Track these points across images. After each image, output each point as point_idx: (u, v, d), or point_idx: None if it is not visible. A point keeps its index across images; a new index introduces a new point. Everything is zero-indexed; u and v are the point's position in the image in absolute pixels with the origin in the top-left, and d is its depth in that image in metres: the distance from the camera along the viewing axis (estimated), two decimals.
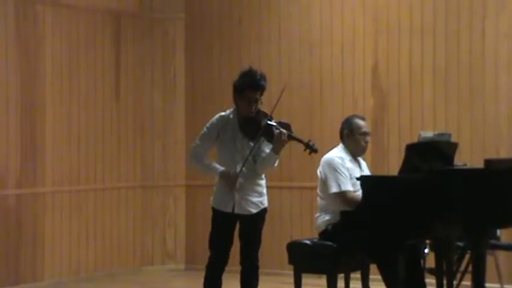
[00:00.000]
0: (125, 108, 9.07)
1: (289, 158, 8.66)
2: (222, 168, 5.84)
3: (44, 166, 8.25)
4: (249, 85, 5.79)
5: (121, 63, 9.03)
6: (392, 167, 7.68)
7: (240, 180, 5.80)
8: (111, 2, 8.98)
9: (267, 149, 5.81)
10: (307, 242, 6.19)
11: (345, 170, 6.10)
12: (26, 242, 8.12)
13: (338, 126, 6.40)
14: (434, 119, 8.10)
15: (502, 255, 7.26)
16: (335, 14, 8.61)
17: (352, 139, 6.23)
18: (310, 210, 8.07)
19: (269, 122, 5.75)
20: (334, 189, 6.07)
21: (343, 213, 5.81)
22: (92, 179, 8.72)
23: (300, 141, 5.78)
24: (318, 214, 6.23)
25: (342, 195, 6.05)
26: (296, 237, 7.73)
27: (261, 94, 5.84)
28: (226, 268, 5.94)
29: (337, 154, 6.21)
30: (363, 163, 6.38)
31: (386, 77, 8.37)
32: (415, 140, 6.56)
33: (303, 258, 6.13)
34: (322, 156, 6.27)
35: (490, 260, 6.24)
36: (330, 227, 6.08)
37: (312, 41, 8.73)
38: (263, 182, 5.96)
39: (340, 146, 6.29)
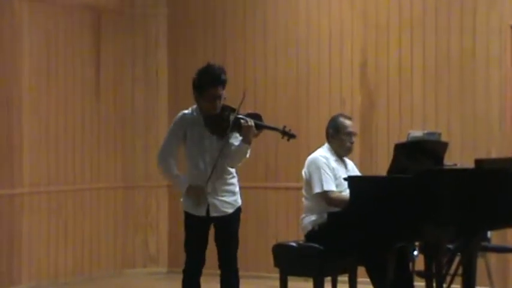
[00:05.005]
0: (105, 106, 9.02)
1: (274, 158, 8.72)
2: (187, 185, 5.68)
3: (21, 166, 8.16)
4: (210, 82, 5.63)
5: (101, 60, 8.97)
6: (381, 166, 7.64)
7: (211, 182, 5.64)
8: None
9: (235, 142, 5.67)
10: (293, 244, 6.16)
11: (329, 170, 6.08)
12: (2, 244, 8.01)
13: (325, 125, 6.36)
14: (424, 117, 8.11)
15: (492, 257, 7.28)
16: (322, 9, 8.59)
17: (338, 139, 6.21)
18: (296, 211, 8.03)
19: (238, 116, 5.62)
20: (317, 189, 6.06)
21: (330, 214, 5.78)
22: (71, 179, 8.65)
23: (275, 129, 5.72)
24: (303, 215, 6.21)
25: (325, 195, 6.02)
26: (282, 239, 7.71)
27: (223, 88, 5.67)
28: (207, 271, 5.86)
29: (322, 154, 6.19)
30: (350, 163, 6.35)
31: (374, 74, 8.36)
32: (404, 139, 6.56)
33: (288, 261, 6.10)
34: (308, 156, 6.24)
35: (480, 262, 6.28)
36: (316, 227, 6.05)
37: (299, 38, 8.70)
38: (235, 180, 5.81)
39: (326, 146, 6.27)
